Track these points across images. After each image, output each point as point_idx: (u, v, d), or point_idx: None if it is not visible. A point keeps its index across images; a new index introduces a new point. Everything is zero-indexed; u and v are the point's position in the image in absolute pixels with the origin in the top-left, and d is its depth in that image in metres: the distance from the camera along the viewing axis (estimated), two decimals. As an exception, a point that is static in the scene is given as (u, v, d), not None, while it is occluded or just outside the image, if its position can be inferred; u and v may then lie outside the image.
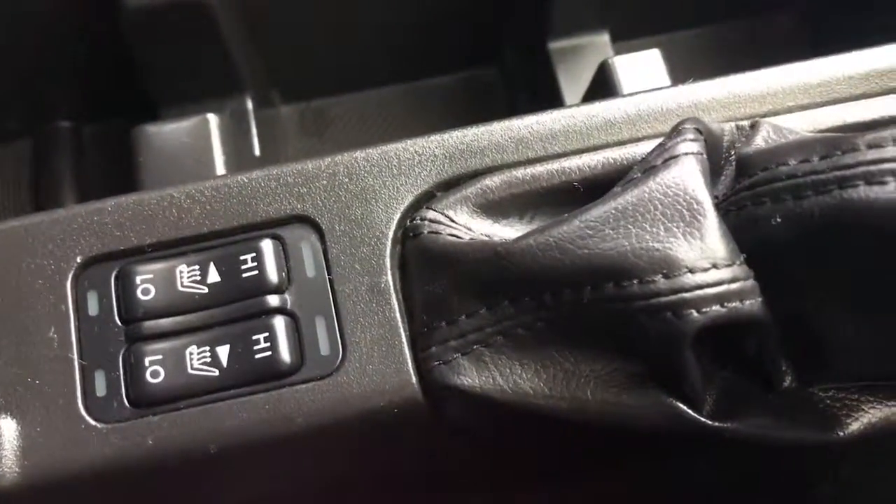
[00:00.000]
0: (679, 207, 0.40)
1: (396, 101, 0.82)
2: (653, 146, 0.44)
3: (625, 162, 0.46)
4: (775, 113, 0.47)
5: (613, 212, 0.41)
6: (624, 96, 0.48)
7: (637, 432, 0.42)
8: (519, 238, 0.42)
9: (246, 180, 0.46)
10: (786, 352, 0.43)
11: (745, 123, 0.46)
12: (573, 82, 0.70)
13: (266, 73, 0.75)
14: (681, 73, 0.62)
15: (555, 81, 0.71)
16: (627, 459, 0.49)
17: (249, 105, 0.69)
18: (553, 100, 0.72)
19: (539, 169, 0.46)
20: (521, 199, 0.46)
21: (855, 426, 0.42)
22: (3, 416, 0.42)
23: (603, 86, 0.61)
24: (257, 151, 0.68)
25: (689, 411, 0.40)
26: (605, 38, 0.72)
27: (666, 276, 0.39)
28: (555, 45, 0.72)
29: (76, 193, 0.74)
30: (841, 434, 0.42)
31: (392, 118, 0.81)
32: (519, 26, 0.78)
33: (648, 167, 0.42)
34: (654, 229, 0.40)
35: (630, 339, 0.40)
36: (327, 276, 0.44)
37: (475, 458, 0.46)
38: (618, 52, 0.67)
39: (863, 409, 0.43)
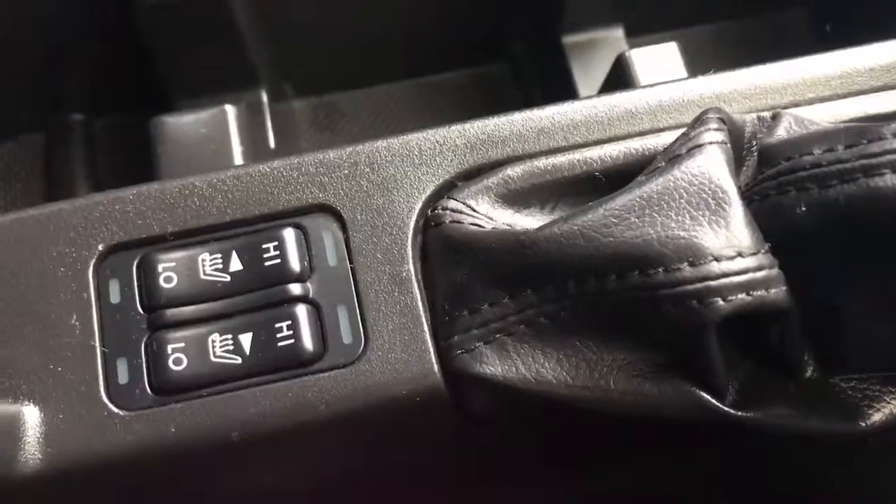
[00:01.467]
0: (704, 196, 0.40)
1: (408, 96, 0.82)
2: (675, 137, 0.44)
3: (647, 152, 0.46)
4: (796, 104, 0.47)
5: (638, 200, 0.41)
6: (645, 87, 0.48)
7: (660, 421, 0.42)
8: (543, 227, 0.42)
9: (268, 169, 0.46)
10: (808, 342, 0.43)
11: (767, 114, 0.46)
12: (587, 77, 0.71)
13: (280, 67, 0.75)
14: (695, 67, 0.62)
15: (569, 76, 0.71)
16: (647, 451, 0.49)
17: (264, 98, 0.69)
18: (567, 94, 0.72)
19: (561, 159, 0.46)
20: (543, 189, 0.46)
21: (876, 417, 0.42)
22: (26, 403, 0.42)
23: (620, 79, 0.61)
24: (272, 144, 0.68)
25: (712, 400, 0.40)
26: (619, 32, 0.73)
27: (691, 265, 0.39)
28: (569, 39, 0.72)
29: (88, 185, 0.74)
30: (862, 425, 0.42)
31: (404, 113, 0.81)
32: (532, 21, 0.78)
33: (673, 156, 0.42)
34: (680, 218, 0.40)
35: (654, 327, 0.40)
36: (349, 265, 0.44)
37: (496, 447, 0.46)
38: (632, 47, 0.66)
39: (885, 400, 0.43)
